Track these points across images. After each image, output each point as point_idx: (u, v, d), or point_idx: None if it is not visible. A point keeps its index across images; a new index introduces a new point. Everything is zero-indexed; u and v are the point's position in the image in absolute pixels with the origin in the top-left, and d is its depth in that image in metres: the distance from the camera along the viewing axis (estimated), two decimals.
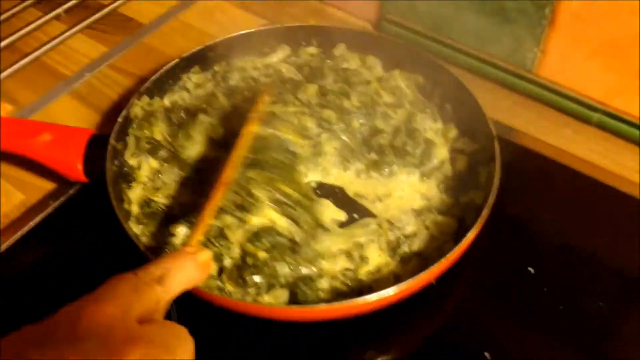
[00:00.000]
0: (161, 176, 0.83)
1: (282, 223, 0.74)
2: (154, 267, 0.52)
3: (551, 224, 0.83)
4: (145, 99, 0.89)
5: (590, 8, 0.85)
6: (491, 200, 0.72)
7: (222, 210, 0.72)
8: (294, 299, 0.71)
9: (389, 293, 0.66)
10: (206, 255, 0.59)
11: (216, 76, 0.95)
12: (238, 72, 0.94)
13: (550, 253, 0.80)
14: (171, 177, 0.83)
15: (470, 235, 0.70)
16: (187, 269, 0.54)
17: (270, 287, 0.71)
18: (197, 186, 0.82)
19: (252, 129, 0.77)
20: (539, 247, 0.80)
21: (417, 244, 0.77)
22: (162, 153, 0.85)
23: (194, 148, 0.85)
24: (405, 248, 0.76)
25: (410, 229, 0.78)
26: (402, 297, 0.69)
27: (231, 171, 0.71)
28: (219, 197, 0.69)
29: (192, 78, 0.94)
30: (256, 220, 0.73)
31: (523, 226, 0.83)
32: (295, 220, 0.75)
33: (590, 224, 0.83)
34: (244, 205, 0.73)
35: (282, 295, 0.71)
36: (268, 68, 0.95)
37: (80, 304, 0.47)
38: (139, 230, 0.78)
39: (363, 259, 0.75)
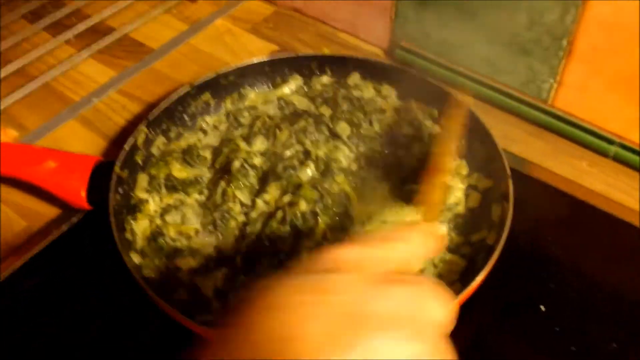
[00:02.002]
0: (174, 213, 0.82)
1: None
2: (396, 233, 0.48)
3: (564, 260, 0.80)
4: (162, 138, 0.88)
5: (608, 40, 0.83)
6: (503, 241, 0.70)
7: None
8: None
9: None
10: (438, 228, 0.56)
11: (229, 117, 0.93)
12: (248, 111, 0.93)
13: (563, 290, 0.77)
14: (184, 214, 0.82)
15: (479, 279, 0.68)
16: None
17: None
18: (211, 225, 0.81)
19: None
20: (551, 284, 0.78)
21: None
22: (179, 191, 0.84)
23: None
24: None
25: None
26: None
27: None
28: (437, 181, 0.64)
29: (207, 119, 0.93)
30: None
31: (535, 261, 0.80)
32: None
33: (605, 260, 0.80)
34: None
35: None
36: (280, 100, 0.94)
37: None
38: (141, 262, 0.77)
39: None
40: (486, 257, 0.70)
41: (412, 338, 0.38)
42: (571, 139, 0.93)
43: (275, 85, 0.96)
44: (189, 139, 0.90)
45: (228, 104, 0.94)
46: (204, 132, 0.91)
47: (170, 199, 0.83)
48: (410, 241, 0.46)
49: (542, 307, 0.75)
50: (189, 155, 0.87)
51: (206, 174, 0.86)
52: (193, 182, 0.85)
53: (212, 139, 0.91)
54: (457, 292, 0.67)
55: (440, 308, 0.41)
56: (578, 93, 0.89)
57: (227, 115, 0.93)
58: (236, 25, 1.15)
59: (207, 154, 0.88)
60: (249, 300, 0.40)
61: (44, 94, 1.04)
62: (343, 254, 0.42)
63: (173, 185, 0.84)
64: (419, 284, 0.41)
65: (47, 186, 0.83)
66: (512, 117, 0.96)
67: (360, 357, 0.36)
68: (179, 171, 0.85)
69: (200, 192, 0.84)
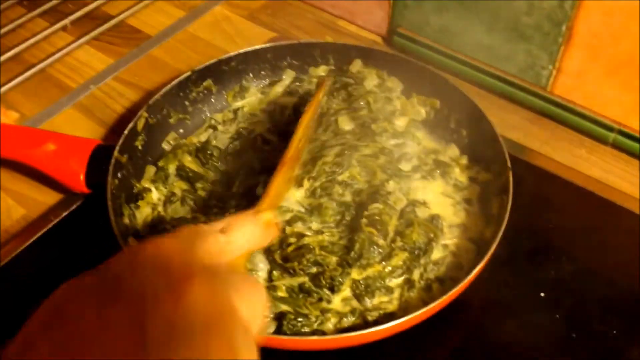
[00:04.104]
0: (178, 202, 0.81)
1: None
2: (216, 221, 0.50)
3: (563, 247, 0.80)
4: (173, 134, 0.88)
5: (608, 26, 0.82)
6: (499, 237, 0.70)
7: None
8: (278, 330, 0.68)
9: (385, 326, 0.64)
10: (268, 215, 0.55)
11: (237, 114, 0.92)
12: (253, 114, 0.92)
13: (563, 278, 0.77)
14: (189, 204, 0.81)
15: (471, 277, 0.68)
16: (249, 226, 0.51)
17: None
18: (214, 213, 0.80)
19: (309, 117, 0.73)
20: (551, 271, 0.78)
21: (442, 270, 0.75)
22: (185, 182, 0.83)
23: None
24: (430, 275, 0.74)
25: (438, 255, 0.76)
26: (406, 328, 0.67)
27: (292, 151, 0.66)
28: (282, 175, 0.64)
29: (216, 117, 0.92)
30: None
31: (534, 249, 0.80)
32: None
33: (605, 247, 0.80)
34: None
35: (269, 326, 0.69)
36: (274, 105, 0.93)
37: (142, 244, 0.44)
38: None
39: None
40: (482, 252, 0.70)
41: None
42: (570, 126, 0.92)
43: (272, 84, 0.95)
44: (201, 135, 0.89)
45: (230, 98, 0.94)
46: (214, 128, 0.91)
47: (178, 189, 0.82)
48: (245, 231, 0.50)
49: (542, 294, 0.75)
50: (202, 153, 0.86)
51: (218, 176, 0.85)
52: (203, 178, 0.84)
53: (223, 138, 0.89)
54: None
55: (257, 299, 0.44)
56: (577, 79, 0.89)
57: (235, 112, 0.92)
58: (234, 12, 1.14)
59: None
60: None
61: (40, 81, 1.03)
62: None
63: (187, 177, 0.83)
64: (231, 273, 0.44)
65: (46, 169, 0.83)
66: (511, 104, 0.96)
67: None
68: (190, 163, 0.85)
69: (206, 190, 0.83)
